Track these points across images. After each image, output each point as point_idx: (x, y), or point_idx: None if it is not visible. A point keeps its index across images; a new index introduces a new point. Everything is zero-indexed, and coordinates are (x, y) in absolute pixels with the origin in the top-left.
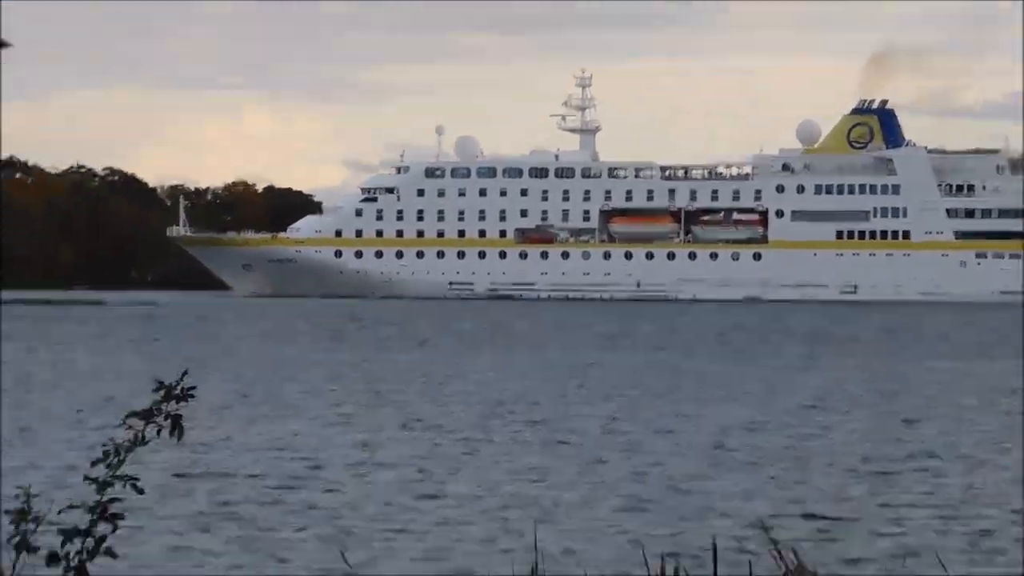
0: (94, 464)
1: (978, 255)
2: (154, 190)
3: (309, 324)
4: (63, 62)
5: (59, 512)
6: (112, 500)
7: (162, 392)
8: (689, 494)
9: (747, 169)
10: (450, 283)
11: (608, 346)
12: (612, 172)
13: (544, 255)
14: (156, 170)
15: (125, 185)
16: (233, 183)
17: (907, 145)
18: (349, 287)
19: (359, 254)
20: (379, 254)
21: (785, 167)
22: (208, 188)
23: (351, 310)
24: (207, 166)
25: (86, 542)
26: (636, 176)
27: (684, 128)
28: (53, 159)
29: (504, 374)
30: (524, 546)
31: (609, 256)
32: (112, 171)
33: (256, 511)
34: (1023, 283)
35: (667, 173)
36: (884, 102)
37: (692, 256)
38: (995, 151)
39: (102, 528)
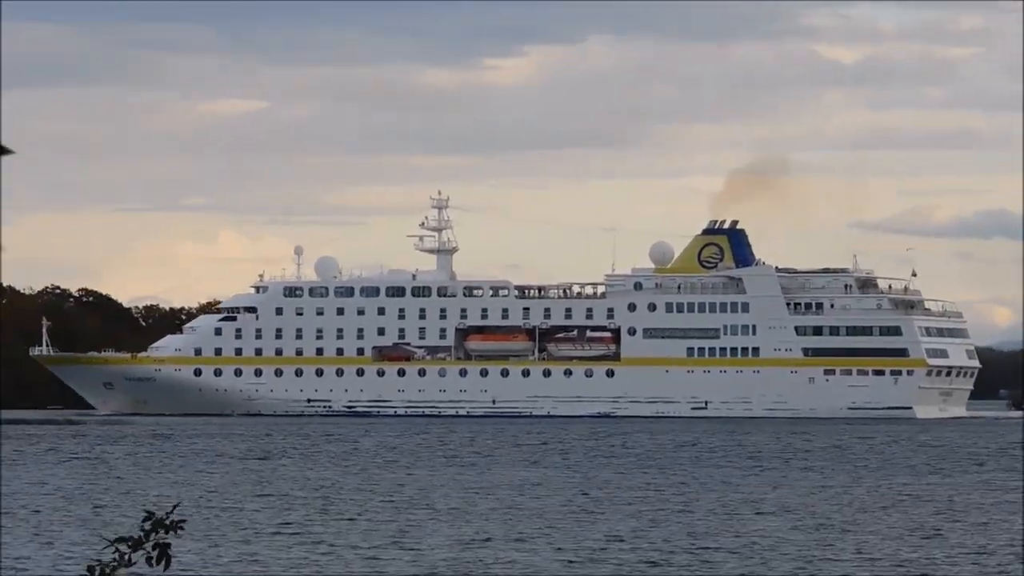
0: None
1: (826, 372)
2: (128, 310)
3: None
4: (27, 184)
5: None
6: None
7: (151, 522)
8: None
9: (600, 288)
10: (308, 400)
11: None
12: (468, 291)
13: (401, 373)
14: (129, 291)
15: (99, 305)
16: (208, 303)
17: (756, 264)
18: (208, 405)
19: (218, 372)
20: (238, 372)
21: (637, 286)
22: (183, 308)
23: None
24: (179, 287)
25: None
26: (492, 295)
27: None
28: (25, 279)
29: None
30: None
31: (465, 373)
32: (87, 292)
33: None
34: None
35: (522, 292)
36: (735, 222)
37: (547, 373)
38: (844, 270)
39: None
